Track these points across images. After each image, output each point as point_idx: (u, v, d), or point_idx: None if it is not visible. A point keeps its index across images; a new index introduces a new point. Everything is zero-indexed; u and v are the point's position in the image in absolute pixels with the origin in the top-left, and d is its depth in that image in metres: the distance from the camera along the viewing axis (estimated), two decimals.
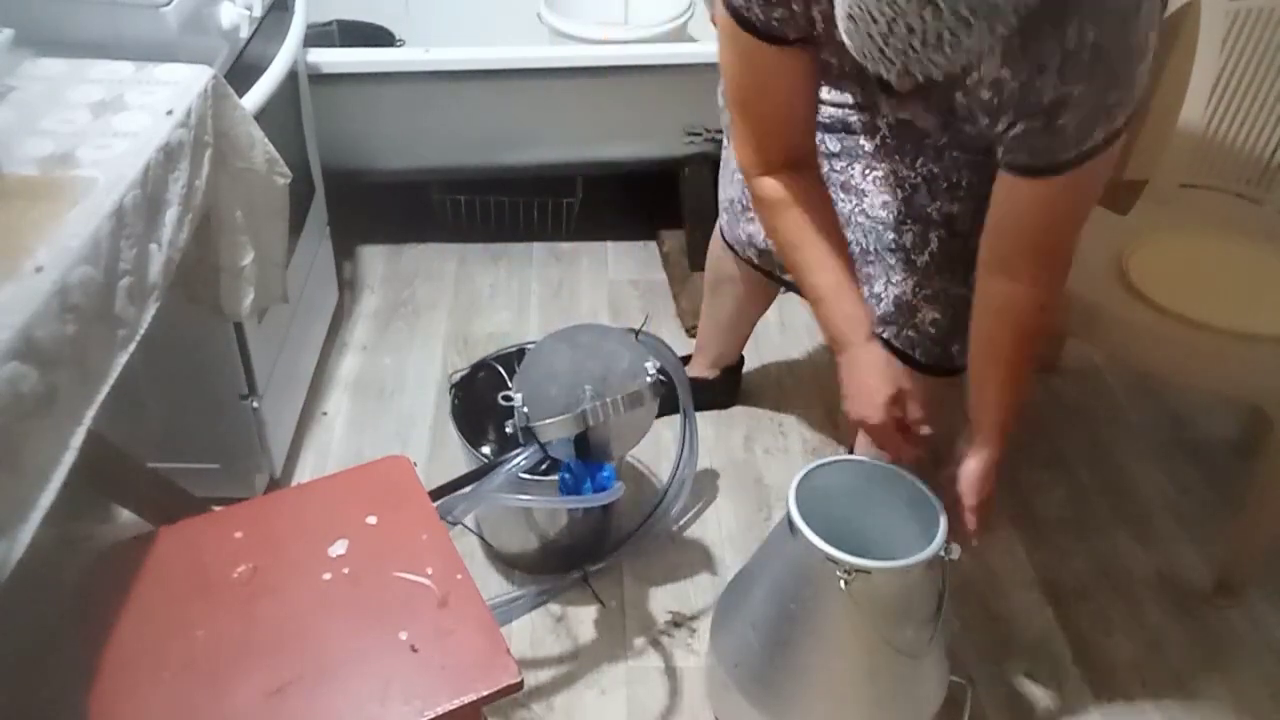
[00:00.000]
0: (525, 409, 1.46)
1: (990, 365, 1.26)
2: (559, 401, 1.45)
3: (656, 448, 1.88)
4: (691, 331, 2.15)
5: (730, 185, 1.61)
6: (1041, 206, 1.12)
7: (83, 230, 0.98)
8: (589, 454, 1.48)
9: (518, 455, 1.44)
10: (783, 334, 2.19)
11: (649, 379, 1.47)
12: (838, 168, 1.40)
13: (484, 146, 2.24)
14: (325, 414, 1.95)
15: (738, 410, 2.00)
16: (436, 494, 1.36)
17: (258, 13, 1.59)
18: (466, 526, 1.68)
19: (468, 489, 1.42)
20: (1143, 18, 0.99)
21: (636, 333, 1.53)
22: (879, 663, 1.25)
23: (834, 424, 1.97)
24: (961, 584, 1.68)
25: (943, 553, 1.20)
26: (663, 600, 1.64)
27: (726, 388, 2.00)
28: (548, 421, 1.43)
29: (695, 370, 1.96)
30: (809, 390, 2.05)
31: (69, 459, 0.93)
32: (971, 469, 1.28)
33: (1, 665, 1.36)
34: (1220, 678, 1.56)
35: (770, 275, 1.62)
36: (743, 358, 2.00)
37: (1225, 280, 1.67)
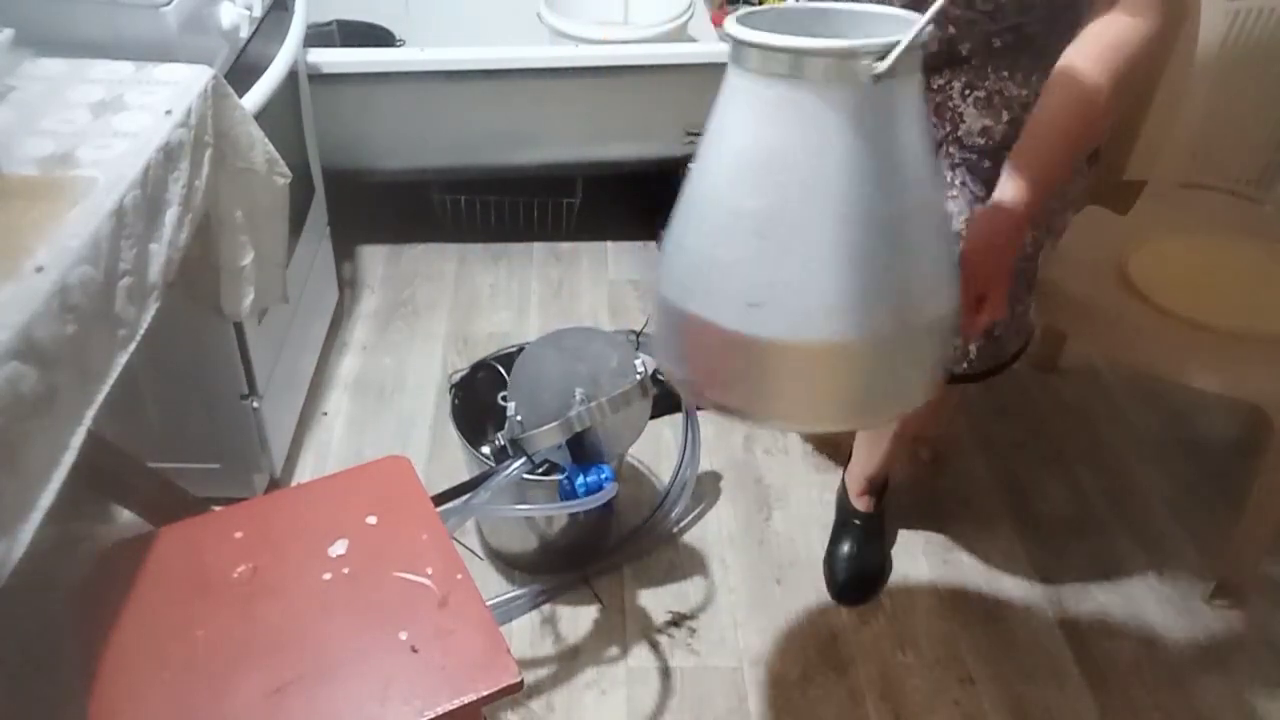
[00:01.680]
0: (519, 417, 1.46)
1: (1053, 92, 1.06)
2: (551, 407, 1.46)
3: (657, 447, 1.88)
4: None
5: None
6: None
7: (83, 230, 0.98)
8: (584, 457, 1.48)
9: (507, 467, 1.44)
10: None
11: (638, 378, 1.47)
12: None
13: (484, 146, 2.24)
14: (325, 414, 1.95)
15: None
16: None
17: (258, 13, 1.59)
18: (460, 542, 1.68)
19: (458, 501, 1.42)
20: None
21: (638, 334, 1.54)
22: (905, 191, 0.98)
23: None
24: (961, 584, 1.69)
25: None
26: (663, 600, 1.64)
27: None
28: (534, 432, 1.43)
29: None
30: None
31: (69, 459, 0.93)
32: (975, 223, 1.09)
33: (1, 665, 1.37)
34: (1220, 678, 1.56)
35: None
36: None
37: (1225, 280, 1.67)
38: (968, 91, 1.24)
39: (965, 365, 1.37)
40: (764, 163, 0.96)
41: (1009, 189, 1.08)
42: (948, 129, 1.27)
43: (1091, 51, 1.03)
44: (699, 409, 1.59)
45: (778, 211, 0.96)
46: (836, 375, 1.02)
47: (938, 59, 1.25)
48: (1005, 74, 1.21)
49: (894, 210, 0.96)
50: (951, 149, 1.29)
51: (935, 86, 1.26)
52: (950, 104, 1.26)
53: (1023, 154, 1.07)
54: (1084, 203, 1.41)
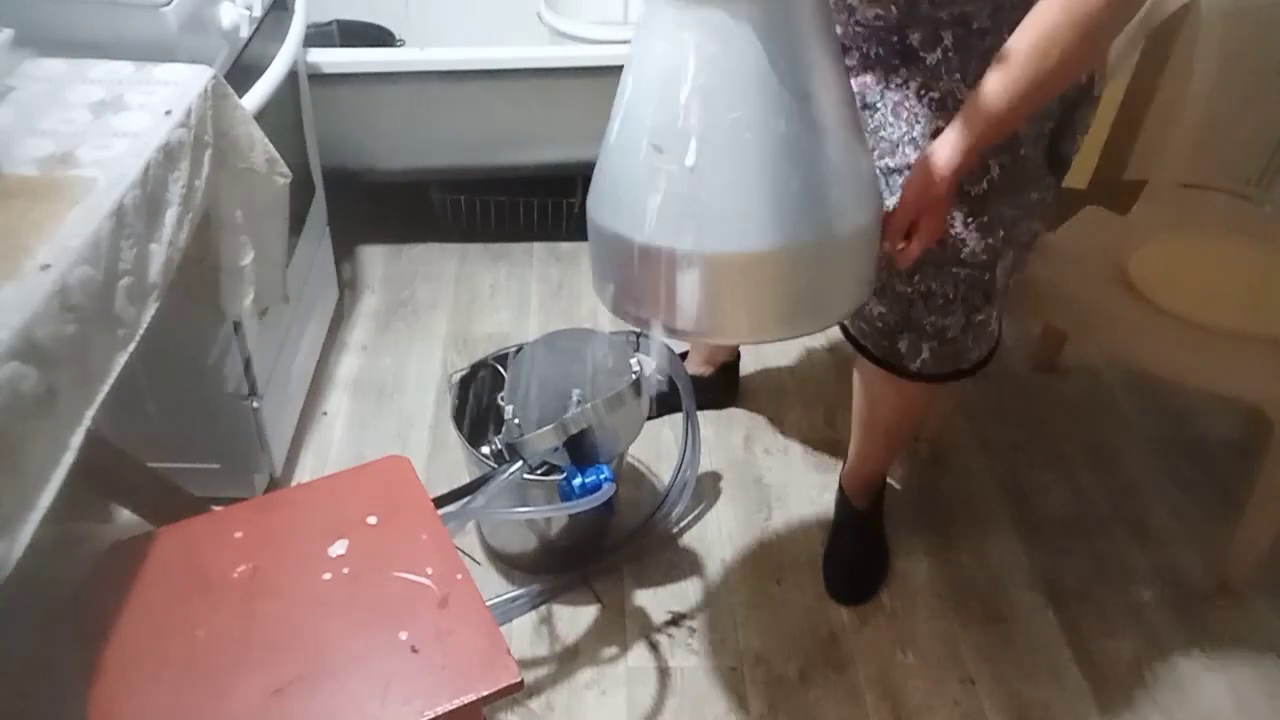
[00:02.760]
0: (516, 420, 1.46)
1: (1017, 33, 1.06)
2: (548, 410, 1.46)
3: (657, 448, 1.88)
4: None
5: None
6: None
7: (83, 230, 0.98)
8: (583, 458, 1.48)
9: (504, 470, 1.44)
10: None
11: (633, 377, 1.47)
12: None
13: (484, 146, 2.24)
14: (325, 414, 1.95)
15: (738, 410, 2.00)
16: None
17: (258, 13, 1.59)
18: (461, 550, 1.68)
19: (455, 506, 1.42)
20: None
21: (638, 335, 1.54)
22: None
23: (834, 425, 1.97)
24: (961, 584, 1.69)
25: None
26: (663, 600, 1.64)
27: (722, 386, 2.00)
28: (529, 436, 1.43)
29: (690, 367, 1.96)
30: (809, 391, 2.05)
31: (69, 459, 0.92)
32: (919, 161, 1.10)
33: (1, 665, 1.37)
34: (1220, 678, 1.56)
35: None
36: (739, 356, 2.00)
37: (1225, 280, 1.67)
38: (923, 92, 1.24)
39: (919, 363, 1.39)
40: (662, 77, 1.02)
41: (958, 119, 1.09)
42: (904, 129, 1.27)
43: (1055, 2, 1.05)
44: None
45: (671, 124, 1.01)
46: (734, 285, 1.05)
47: (895, 55, 1.26)
48: (958, 76, 1.21)
49: (787, 125, 0.99)
50: (908, 149, 1.29)
51: (894, 85, 1.27)
52: (908, 104, 1.26)
53: (978, 89, 1.09)
54: (1049, 215, 1.37)
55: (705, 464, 1.84)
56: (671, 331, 1.10)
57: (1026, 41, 1.05)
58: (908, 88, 1.25)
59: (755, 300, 1.07)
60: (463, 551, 1.66)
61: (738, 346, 1.98)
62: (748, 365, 2.07)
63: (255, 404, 1.62)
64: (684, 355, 1.97)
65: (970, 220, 1.27)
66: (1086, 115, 1.28)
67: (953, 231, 1.28)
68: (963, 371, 1.42)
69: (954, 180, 1.11)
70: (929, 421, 1.86)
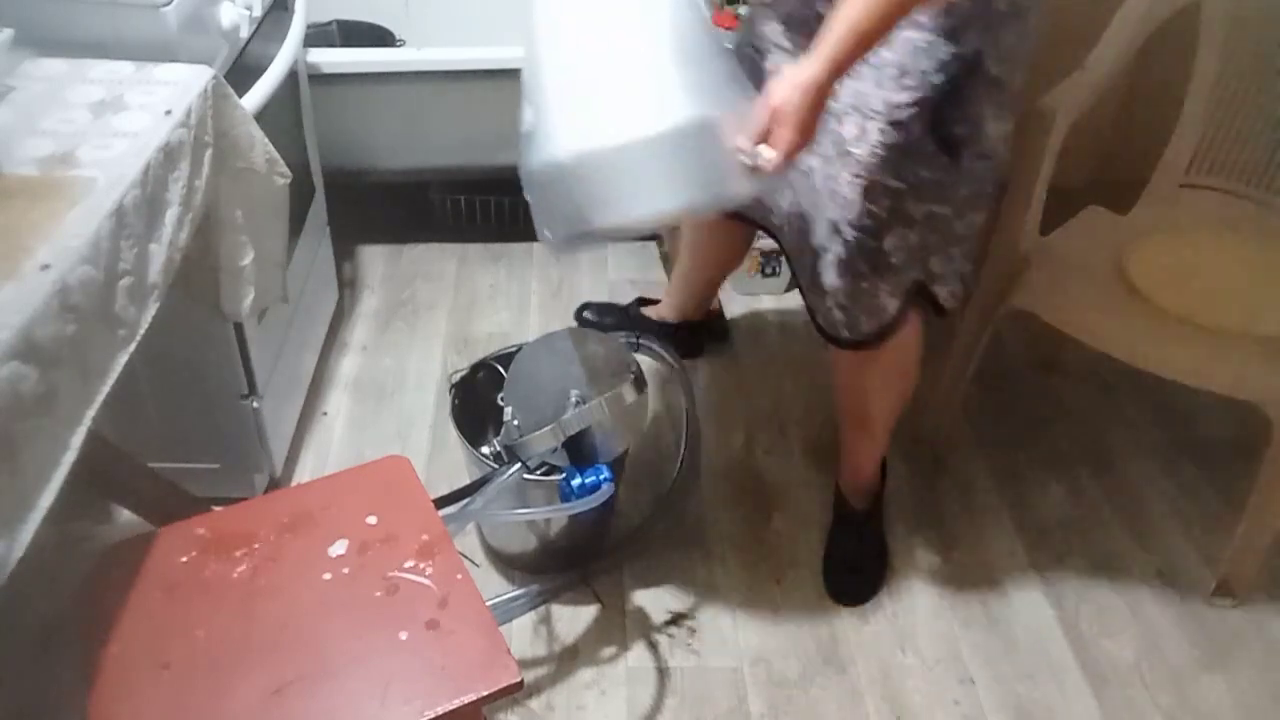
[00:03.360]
0: (515, 422, 1.46)
1: None
2: (547, 411, 1.46)
3: (657, 447, 1.88)
4: None
5: None
6: None
7: (83, 230, 0.98)
8: (583, 458, 1.48)
9: (502, 472, 1.44)
10: (782, 334, 2.19)
11: (631, 377, 1.47)
12: None
13: (484, 146, 2.23)
14: (325, 414, 1.95)
15: (738, 410, 2.00)
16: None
17: (258, 13, 1.59)
18: (463, 554, 1.68)
19: (455, 507, 1.41)
20: None
21: (638, 335, 1.54)
22: None
23: (834, 426, 1.96)
24: (961, 584, 1.69)
25: None
26: (663, 600, 1.64)
27: (685, 340, 2.06)
28: (527, 438, 1.43)
29: (659, 311, 2.07)
30: (809, 391, 2.05)
31: (69, 459, 0.93)
32: (775, 79, 1.16)
33: (2, 665, 1.37)
34: (1220, 678, 1.56)
35: (743, 219, 1.59)
36: (708, 320, 2.10)
37: (1225, 280, 1.67)
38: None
39: (828, 325, 1.45)
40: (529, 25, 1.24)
41: (817, 41, 1.14)
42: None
43: None
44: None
45: (528, 56, 1.25)
46: (560, 187, 1.20)
47: (815, 22, 1.29)
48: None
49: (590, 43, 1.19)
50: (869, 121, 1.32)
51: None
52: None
53: (833, 13, 1.13)
54: (956, 201, 1.35)
55: (705, 464, 1.84)
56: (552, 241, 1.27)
57: None
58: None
59: (570, 199, 1.20)
60: (463, 553, 1.66)
61: (704, 308, 2.07)
62: (748, 364, 2.06)
63: (255, 404, 1.62)
64: (642, 301, 2.09)
65: (855, 179, 1.31)
66: (980, 96, 1.27)
67: (838, 189, 1.33)
68: (856, 343, 1.44)
69: (811, 93, 1.13)
70: (926, 420, 1.87)
